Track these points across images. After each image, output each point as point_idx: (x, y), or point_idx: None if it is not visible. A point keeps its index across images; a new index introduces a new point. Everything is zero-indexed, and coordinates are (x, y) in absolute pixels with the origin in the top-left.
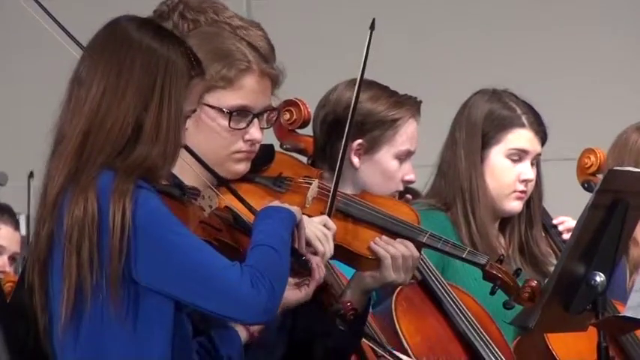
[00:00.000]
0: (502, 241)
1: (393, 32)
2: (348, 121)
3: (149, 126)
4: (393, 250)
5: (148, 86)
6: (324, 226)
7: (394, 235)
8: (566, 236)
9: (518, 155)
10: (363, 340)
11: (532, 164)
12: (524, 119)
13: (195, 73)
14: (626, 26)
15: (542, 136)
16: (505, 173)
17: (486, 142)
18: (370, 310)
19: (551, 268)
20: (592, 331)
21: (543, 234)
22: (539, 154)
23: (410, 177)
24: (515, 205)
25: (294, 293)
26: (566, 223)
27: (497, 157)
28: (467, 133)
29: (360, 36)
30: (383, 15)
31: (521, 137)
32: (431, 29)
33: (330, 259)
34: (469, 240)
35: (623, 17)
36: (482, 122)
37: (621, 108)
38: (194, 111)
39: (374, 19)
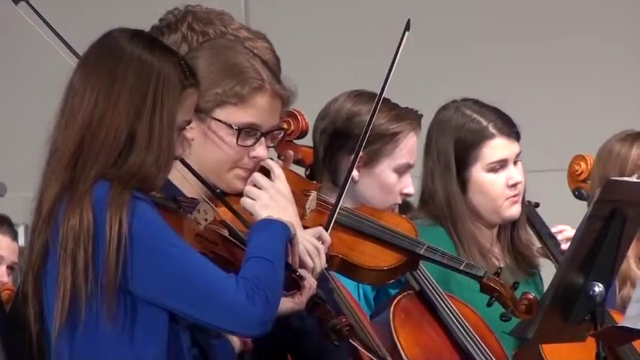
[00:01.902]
0: (497, 248)
1: (390, 46)
2: (364, 130)
3: (142, 135)
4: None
5: (140, 96)
6: (319, 238)
7: (392, 247)
8: (565, 246)
9: (499, 165)
10: (362, 350)
11: (515, 165)
12: (491, 128)
13: (188, 83)
14: (615, 37)
15: (516, 135)
16: (492, 186)
17: (463, 163)
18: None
19: (536, 260)
20: (588, 342)
21: (540, 244)
22: (518, 154)
23: (408, 190)
24: (514, 211)
25: (285, 302)
26: (565, 232)
27: (479, 175)
28: (439, 161)
29: (360, 45)
30: (381, 29)
31: (496, 148)
32: (423, 40)
33: (328, 269)
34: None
35: (611, 28)
36: (452, 149)
37: (611, 118)
38: (189, 122)
39: (409, 20)
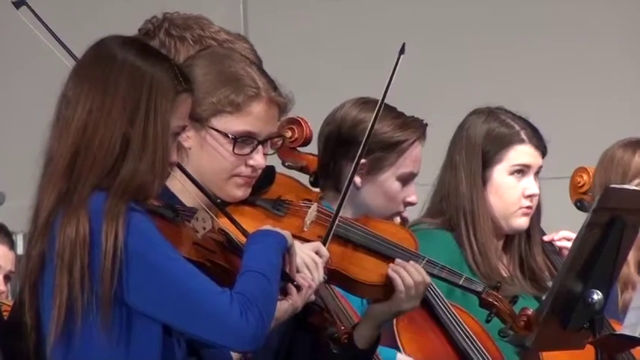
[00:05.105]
0: (505, 259)
1: (391, 52)
2: (360, 148)
3: (135, 142)
4: (408, 280)
5: (133, 103)
6: (317, 253)
7: (391, 260)
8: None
9: (521, 171)
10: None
11: (535, 178)
12: (523, 135)
13: (181, 88)
14: (620, 45)
15: (543, 149)
16: (510, 191)
17: (487, 162)
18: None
19: (548, 283)
20: (588, 349)
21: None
22: (540, 167)
23: (411, 199)
24: (522, 222)
25: (281, 304)
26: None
27: (500, 176)
28: (467, 155)
29: (362, 52)
30: (382, 35)
31: (523, 153)
32: (428, 48)
33: (327, 283)
34: (473, 260)
35: (616, 36)
36: (481, 143)
37: (614, 126)
38: (184, 127)
39: (404, 44)
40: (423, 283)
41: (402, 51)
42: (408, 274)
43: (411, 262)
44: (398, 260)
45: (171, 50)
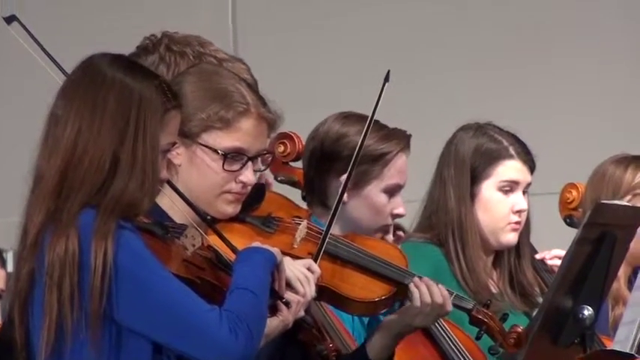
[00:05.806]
0: (495, 275)
1: (381, 67)
2: (349, 168)
3: (125, 160)
4: (426, 297)
5: (122, 121)
6: (309, 269)
7: (381, 277)
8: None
9: (509, 187)
10: None
11: (524, 194)
12: (511, 150)
13: (170, 105)
14: (611, 61)
15: (531, 164)
16: (498, 206)
17: (476, 177)
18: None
19: (538, 299)
20: None
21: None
22: (529, 184)
23: (399, 211)
24: (511, 238)
25: (272, 321)
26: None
27: (489, 191)
28: (455, 171)
29: (354, 67)
30: (371, 52)
31: (511, 168)
32: (418, 65)
33: (317, 300)
34: (461, 276)
35: (607, 53)
36: (470, 158)
37: (604, 142)
38: (173, 144)
39: (389, 71)
40: (442, 307)
41: (386, 79)
42: (428, 293)
43: (440, 285)
44: (425, 278)
45: (171, 65)
